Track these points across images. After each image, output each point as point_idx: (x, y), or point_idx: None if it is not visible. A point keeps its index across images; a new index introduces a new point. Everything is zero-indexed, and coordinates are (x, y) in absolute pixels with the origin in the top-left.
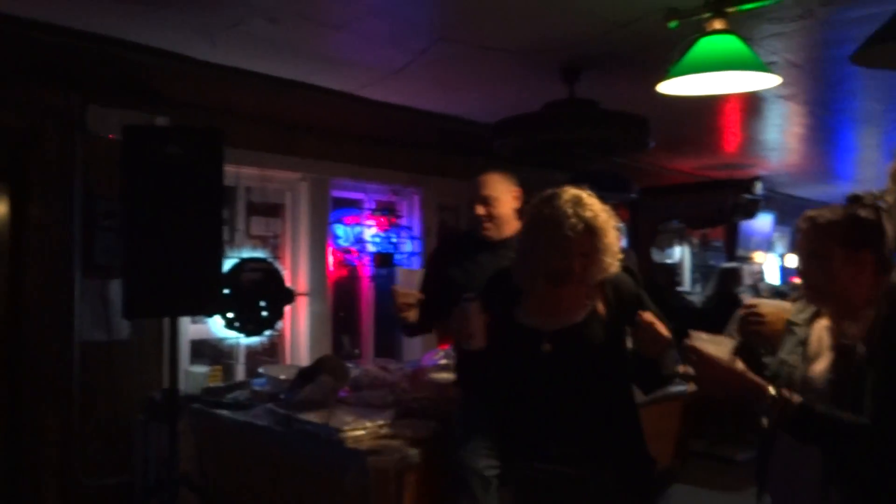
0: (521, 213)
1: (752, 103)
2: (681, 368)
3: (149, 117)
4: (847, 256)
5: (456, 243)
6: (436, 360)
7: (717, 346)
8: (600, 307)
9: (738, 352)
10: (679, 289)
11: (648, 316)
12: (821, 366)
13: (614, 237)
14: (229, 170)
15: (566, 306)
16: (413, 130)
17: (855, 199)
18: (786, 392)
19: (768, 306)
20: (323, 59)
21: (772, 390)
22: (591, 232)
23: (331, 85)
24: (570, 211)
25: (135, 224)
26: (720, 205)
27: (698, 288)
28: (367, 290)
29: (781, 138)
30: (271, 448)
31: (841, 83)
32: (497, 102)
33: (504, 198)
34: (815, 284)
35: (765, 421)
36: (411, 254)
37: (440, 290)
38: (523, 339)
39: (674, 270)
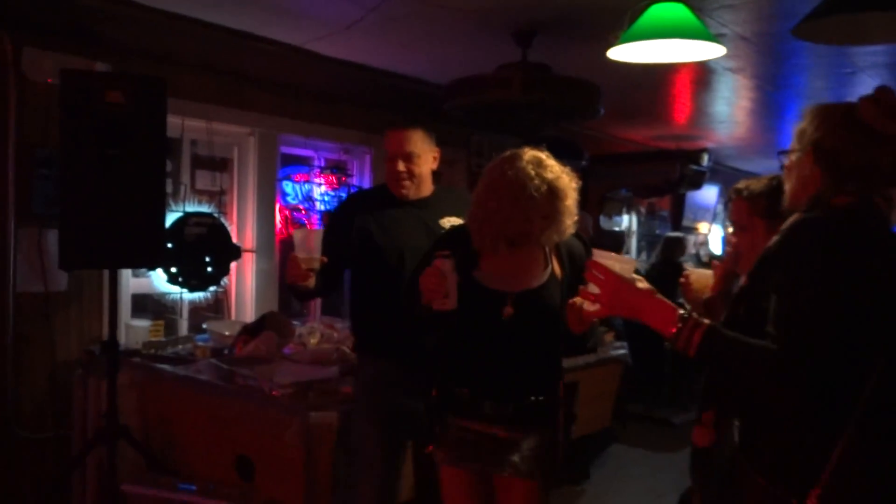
0: (437, 174)
1: (701, 75)
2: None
3: (88, 62)
4: (770, 227)
5: (365, 198)
6: None
7: (622, 265)
8: (557, 270)
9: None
10: (625, 255)
11: (579, 299)
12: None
13: (574, 200)
14: (174, 121)
15: (525, 268)
16: (365, 88)
17: (779, 175)
18: (695, 314)
19: (695, 273)
20: (273, 9)
21: (681, 311)
22: (553, 194)
23: (281, 37)
24: (532, 172)
25: (73, 173)
26: (667, 175)
27: (644, 256)
28: None
29: (730, 111)
30: (213, 403)
31: (788, 58)
32: (450, 63)
33: (426, 157)
34: (739, 253)
35: (668, 343)
36: None
37: (346, 246)
38: (484, 300)
39: (621, 238)
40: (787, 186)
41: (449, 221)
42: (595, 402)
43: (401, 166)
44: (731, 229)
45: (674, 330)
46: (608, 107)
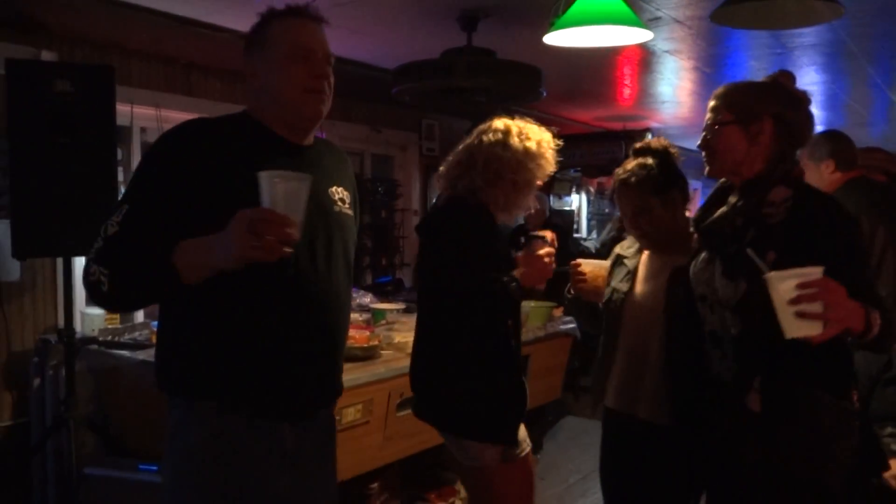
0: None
1: (642, 58)
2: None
3: (35, 52)
4: (662, 202)
5: (224, 138)
6: None
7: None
8: None
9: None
10: (576, 235)
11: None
12: (647, 287)
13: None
14: (123, 109)
15: None
16: None
17: (643, 151)
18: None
19: (589, 265)
20: None
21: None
22: None
23: (229, 24)
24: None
25: (22, 163)
26: (613, 154)
27: (594, 234)
28: None
29: (672, 92)
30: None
31: (722, 40)
32: (398, 48)
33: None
34: (645, 233)
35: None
36: None
37: (189, 224)
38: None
39: (571, 217)
40: (717, 155)
41: (339, 194)
42: (545, 375)
43: (325, 70)
44: (623, 215)
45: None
46: (554, 89)
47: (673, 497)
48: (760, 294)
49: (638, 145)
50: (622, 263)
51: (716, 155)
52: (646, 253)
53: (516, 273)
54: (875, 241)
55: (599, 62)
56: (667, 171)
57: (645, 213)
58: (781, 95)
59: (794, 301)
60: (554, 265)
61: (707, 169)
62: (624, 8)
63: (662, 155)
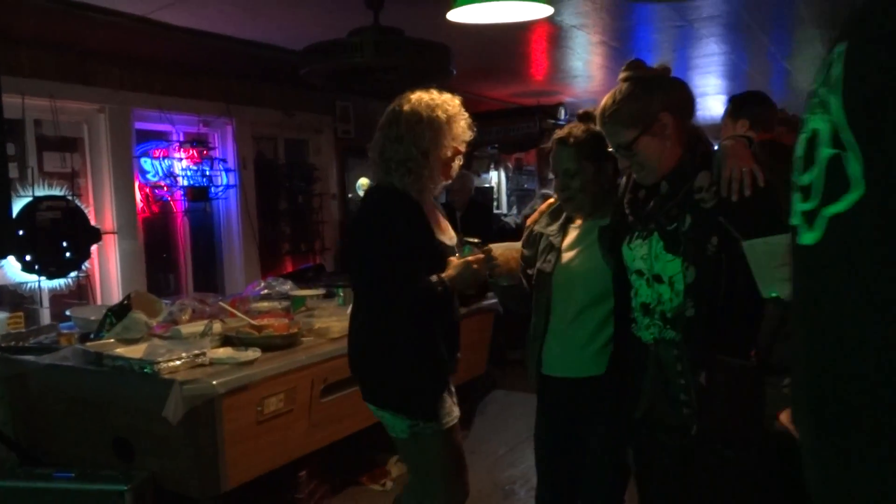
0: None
1: (552, 33)
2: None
3: None
4: (595, 168)
5: None
6: (258, 290)
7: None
8: None
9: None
10: (496, 211)
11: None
12: (574, 253)
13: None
14: (12, 101)
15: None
16: (222, 58)
17: (586, 117)
18: None
19: (499, 248)
20: None
21: None
22: None
23: (123, 8)
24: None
25: None
26: (529, 130)
27: (514, 210)
28: (181, 224)
29: (583, 67)
30: (84, 389)
31: (626, 15)
32: (305, 30)
33: None
34: (572, 196)
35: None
36: (227, 186)
37: None
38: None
39: (490, 194)
40: (645, 168)
41: None
42: (469, 351)
43: None
44: (553, 174)
45: None
46: (466, 67)
47: (606, 448)
48: (709, 279)
49: (582, 111)
50: (546, 240)
51: (643, 168)
52: (571, 228)
53: (445, 276)
54: None
55: (510, 39)
56: (603, 140)
57: (577, 175)
58: (658, 86)
59: (781, 265)
60: (485, 273)
61: (645, 181)
62: None
63: None
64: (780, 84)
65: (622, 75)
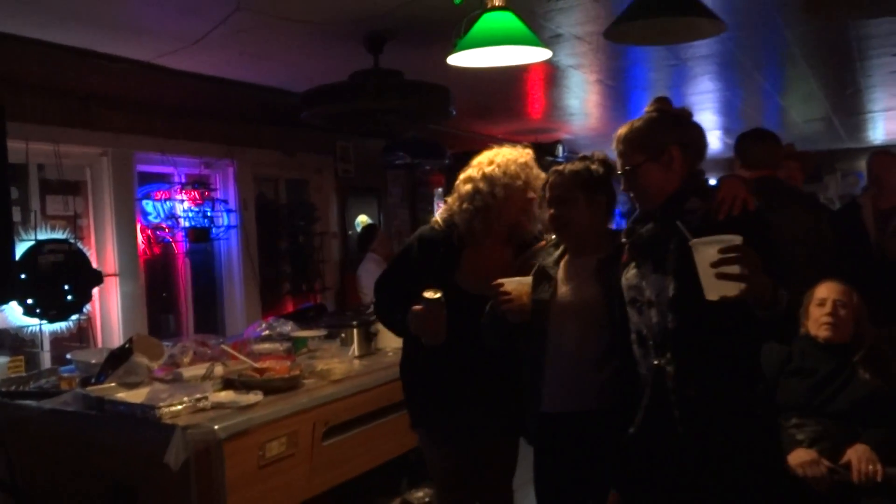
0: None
1: (549, 73)
2: None
3: None
4: (588, 200)
5: None
6: (259, 331)
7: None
8: None
9: None
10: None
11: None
12: (569, 287)
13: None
14: (17, 146)
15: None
16: (223, 101)
17: (586, 157)
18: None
19: (512, 283)
20: (116, 26)
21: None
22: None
23: (128, 54)
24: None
25: None
26: None
27: None
28: (182, 266)
29: (580, 105)
30: (85, 434)
31: (621, 55)
32: (305, 72)
33: None
34: (564, 224)
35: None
36: (228, 227)
37: None
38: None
39: None
40: (644, 193)
41: None
42: None
43: None
44: (549, 204)
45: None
46: (465, 106)
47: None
48: (690, 292)
49: (582, 155)
50: (547, 274)
51: (643, 193)
52: (564, 260)
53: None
54: None
55: (508, 78)
56: (601, 177)
57: (569, 204)
58: (675, 122)
59: (717, 264)
60: (433, 326)
61: (638, 206)
62: (523, 28)
63: (604, 164)
64: (773, 120)
65: (648, 108)
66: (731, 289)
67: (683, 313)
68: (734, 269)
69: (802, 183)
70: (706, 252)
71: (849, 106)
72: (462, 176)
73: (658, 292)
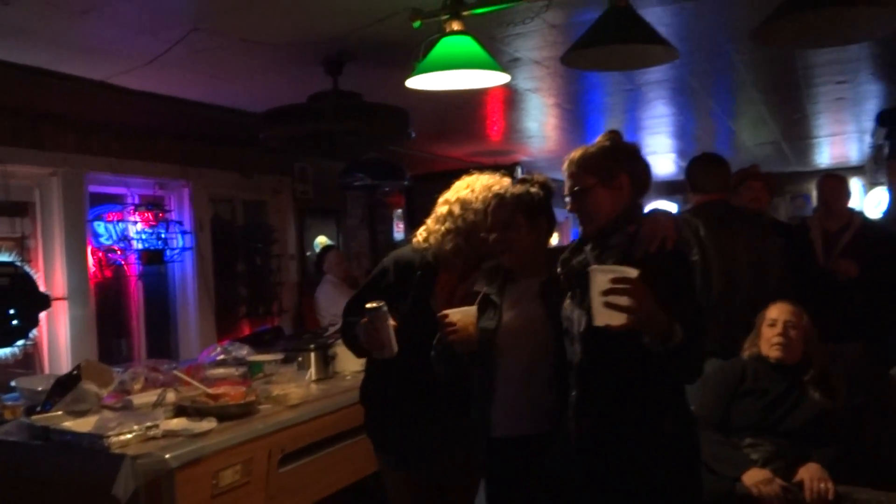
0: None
1: (508, 96)
2: None
3: None
4: (529, 225)
5: None
6: (213, 356)
7: (468, 314)
8: None
9: None
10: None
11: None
12: (514, 312)
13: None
14: None
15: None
16: (179, 121)
17: (526, 180)
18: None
19: (457, 314)
20: (68, 45)
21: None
22: None
23: (81, 73)
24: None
25: None
26: None
27: None
28: (135, 289)
29: (538, 128)
30: (30, 466)
31: (578, 79)
32: (264, 93)
33: None
34: (507, 248)
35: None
36: (183, 249)
37: None
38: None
39: None
40: (591, 216)
41: None
42: None
43: None
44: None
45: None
46: (425, 128)
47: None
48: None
49: (521, 177)
50: (489, 300)
51: (590, 216)
52: (507, 285)
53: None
54: (707, 262)
55: (467, 101)
56: (542, 200)
57: (511, 229)
58: (627, 154)
59: (606, 292)
60: (377, 337)
61: (582, 228)
62: (481, 52)
63: (543, 187)
64: (725, 143)
65: (601, 138)
66: (616, 318)
67: (590, 346)
68: (623, 300)
69: (768, 204)
70: (600, 279)
71: (796, 131)
72: (440, 198)
73: (577, 325)
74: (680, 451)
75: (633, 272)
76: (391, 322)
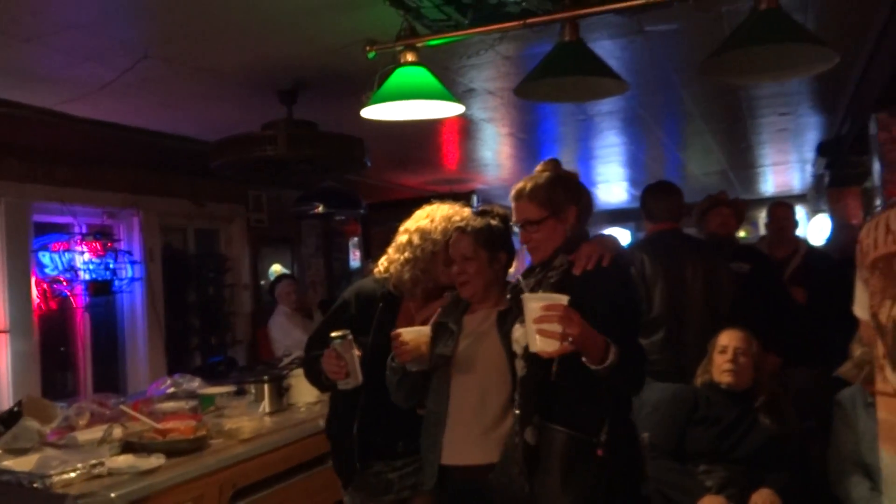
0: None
1: (463, 126)
2: None
3: None
4: (489, 257)
5: None
6: (163, 389)
7: (420, 334)
8: None
9: None
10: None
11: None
12: (472, 339)
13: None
14: None
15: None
16: (128, 149)
17: (486, 212)
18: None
19: (409, 333)
20: (13, 72)
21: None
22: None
23: (27, 100)
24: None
25: None
26: None
27: None
28: (81, 321)
29: (493, 156)
30: None
31: (534, 109)
32: (217, 121)
33: None
34: (467, 281)
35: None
36: (132, 279)
37: None
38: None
39: None
40: (541, 247)
41: None
42: None
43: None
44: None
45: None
46: (380, 157)
47: None
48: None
49: (480, 208)
50: (446, 328)
51: (538, 247)
52: (466, 316)
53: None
54: (652, 290)
55: (423, 130)
56: (501, 234)
57: (472, 262)
58: (573, 185)
59: (538, 320)
60: (340, 367)
61: (533, 259)
62: (436, 83)
63: (504, 220)
64: (675, 172)
65: (541, 167)
66: (550, 345)
67: (533, 362)
68: (555, 326)
69: (736, 229)
70: (532, 307)
71: (742, 160)
72: (401, 227)
73: (521, 344)
74: (617, 463)
75: (563, 299)
76: (356, 351)
